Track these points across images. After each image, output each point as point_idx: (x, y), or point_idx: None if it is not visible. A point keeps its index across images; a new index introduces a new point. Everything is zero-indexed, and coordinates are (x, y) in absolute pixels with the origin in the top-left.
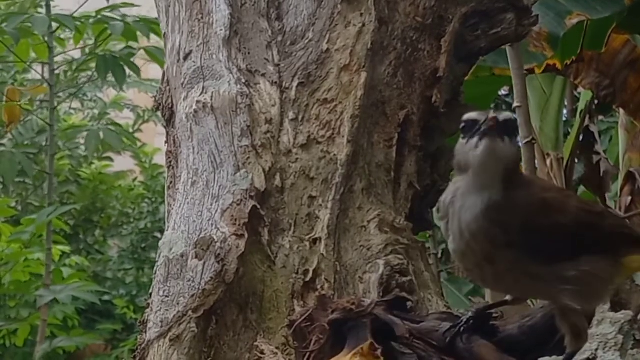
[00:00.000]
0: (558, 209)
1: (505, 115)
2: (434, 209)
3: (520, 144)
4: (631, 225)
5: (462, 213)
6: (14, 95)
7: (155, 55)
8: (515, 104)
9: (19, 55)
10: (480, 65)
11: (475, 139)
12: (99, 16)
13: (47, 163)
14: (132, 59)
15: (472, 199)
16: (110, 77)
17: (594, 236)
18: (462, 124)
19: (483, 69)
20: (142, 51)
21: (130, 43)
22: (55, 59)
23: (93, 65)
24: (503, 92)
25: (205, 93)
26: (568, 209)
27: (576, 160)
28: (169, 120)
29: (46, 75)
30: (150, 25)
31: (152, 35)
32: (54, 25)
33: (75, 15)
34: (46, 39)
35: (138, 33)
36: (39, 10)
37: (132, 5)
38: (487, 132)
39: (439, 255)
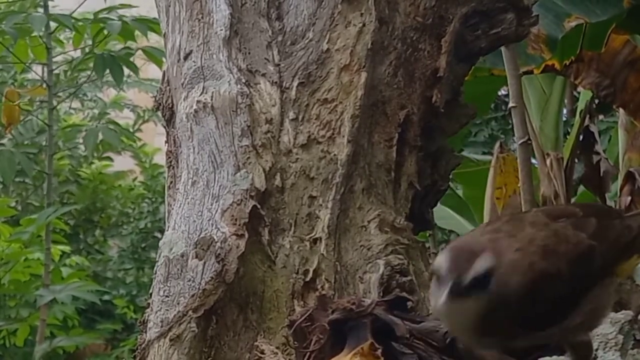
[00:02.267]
0: (550, 277)
1: (475, 271)
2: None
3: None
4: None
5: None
6: (12, 96)
7: (154, 55)
8: (510, 104)
9: (18, 56)
10: (479, 66)
11: (440, 293)
12: (98, 17)
13: (47, 163)
14: (132, 59)
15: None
16: (110, 77)
17: (590, 276)
18: (431, 271)
19: (482, 70)
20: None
21: (129, 43)
22: (55, 59)
23: (92, 64)
24: (503, 91)
25: (206, 93)
26: (559, 270)
27: (576, 160)
28: (169, 120)
29: (45, 75)
30: (148, 24)
31: (152, 36)
32: (53, 25)
33: (74, 15)
34: (44, 39)
35: (137, 33)
36: (39, 10)
37: (130, 6)
38: (450, 292)
39: None
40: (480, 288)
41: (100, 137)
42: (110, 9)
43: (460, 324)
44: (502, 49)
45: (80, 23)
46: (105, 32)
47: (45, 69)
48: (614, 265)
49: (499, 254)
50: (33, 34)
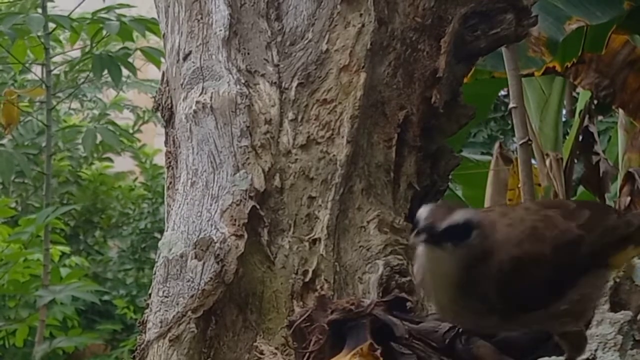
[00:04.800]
0: (533, 259)
1: (453, 220)
2: None
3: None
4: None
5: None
6: (11, 97)
7: (152, 55)
8: (511, 105)
9: (16, 57)
10: (480, 69)
11: (418, 241)
12: (95, 17)
13: (45, 164)
14: (132, 60)
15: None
16: (110, 78)
17: (577, 266)
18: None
19: (483, 73)
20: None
21: (128, 43)
22: (55, 59)
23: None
24: (502, 92)
25: (205, 93)
26: (543, 254)
27: (575, 161)
28: (169, 121)
29: (40, 76)
30: (146, 24)
31: (153, 36)
32: (52, 25)
33: (73, 15)
34: (42, 39)
35: (136, 33)
36: (39, 10)
37: (129, 6)
38: (424, 240)
39: None
40: (458, 238)
41: (99, 137)
42: (108, 9)
43: (438, 275)
44: (502, 49)
45: (76, 23)
46: (104, 32)
47: (44, 69)
48: (606, 257)
49: (492, 223)
50: (32, 34)
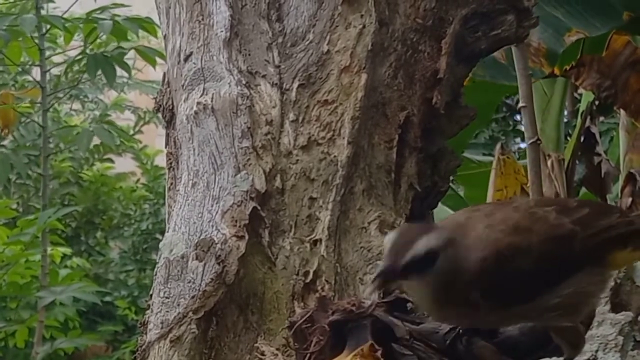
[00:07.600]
0: (519, 250)
1: (413, 253)
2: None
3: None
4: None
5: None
6: (7, 99)
7: (148, 55)
8: (520, 104)
9: (11, 58)
10: (479, 79)
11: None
12: (90, 17)
13: (42, 165)
14: (133, 61)
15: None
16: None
17: (567, 261)
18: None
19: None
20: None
21: (125, 43)
22: (55, 60)
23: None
24: None
25: (206, 94)
26: (530, 241)
27: (577, 162)
28: (170, 122)
29: (39, 77)
30: (140, 24)
31: (154, 37)
32: (48, 26)
33: (68, 16)
34: (37, 40)
35: (139, 34)
36: (40, 12)
37: (123, 5)
38: (381, 276)
39: None
40: (422, 269)
41: (97, 139)
42: (103, 9)
43: (416, 299)
44: (512, 48)
45: (70, 23)
46: (100, 32)
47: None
48: (603, 255)
49: (464, 231)
50: (27, 35)
